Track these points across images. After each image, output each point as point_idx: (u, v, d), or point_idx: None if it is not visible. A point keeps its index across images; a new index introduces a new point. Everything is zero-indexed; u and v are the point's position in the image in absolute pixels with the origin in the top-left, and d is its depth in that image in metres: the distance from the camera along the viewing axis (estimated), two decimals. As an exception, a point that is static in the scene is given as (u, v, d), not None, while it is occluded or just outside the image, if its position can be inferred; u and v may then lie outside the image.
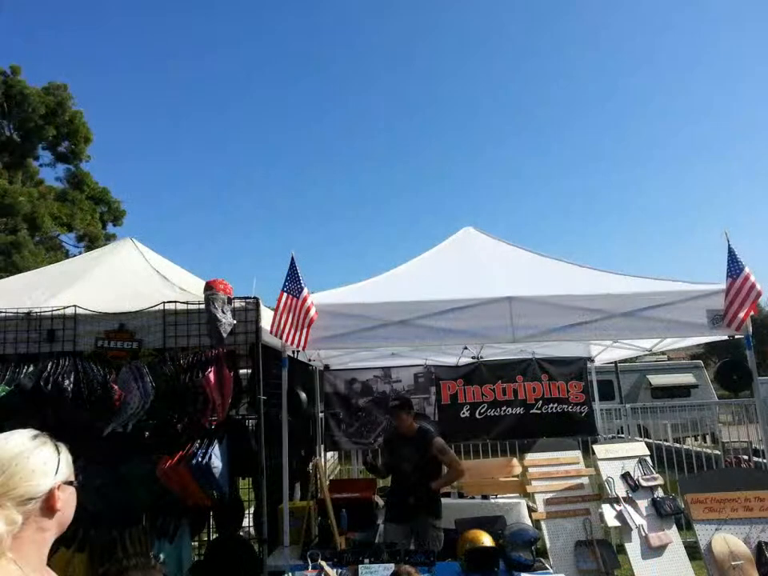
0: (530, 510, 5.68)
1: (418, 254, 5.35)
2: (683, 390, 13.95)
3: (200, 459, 3.64)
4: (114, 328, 3.98)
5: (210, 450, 3.69)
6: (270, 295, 4.25)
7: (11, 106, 18.57)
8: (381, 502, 5.43)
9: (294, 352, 4.75)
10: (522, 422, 7.35)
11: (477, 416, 7.38)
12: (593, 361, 7.56)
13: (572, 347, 7.18)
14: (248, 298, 4.14)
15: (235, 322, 3.98)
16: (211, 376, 3.80)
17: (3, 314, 3.98)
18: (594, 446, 5.09)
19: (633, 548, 4.40)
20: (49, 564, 1.27)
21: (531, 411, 7.38)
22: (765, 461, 6.28)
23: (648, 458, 4.97)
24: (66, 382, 3.73)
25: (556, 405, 7.42)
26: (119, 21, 68.80)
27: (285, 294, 3.89)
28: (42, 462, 1.24)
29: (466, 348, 6.63)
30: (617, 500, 4.62)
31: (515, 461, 6.11)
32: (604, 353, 7.17)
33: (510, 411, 7.40)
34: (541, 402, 7.41)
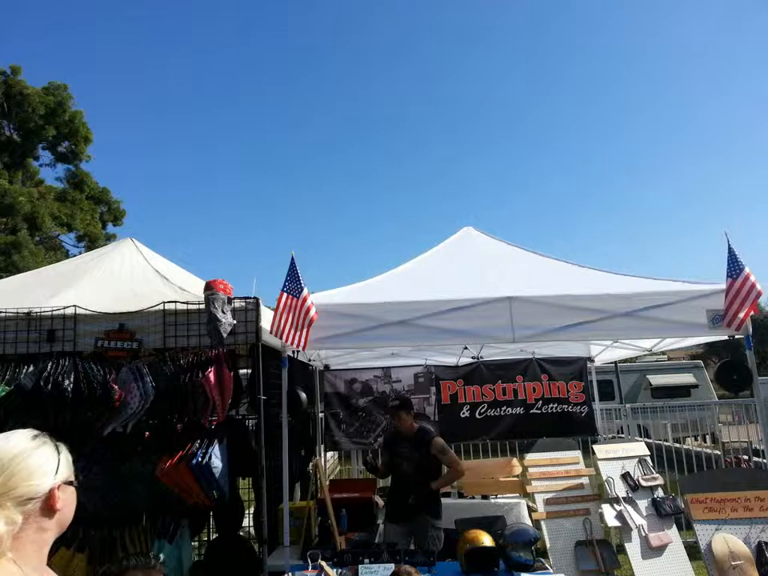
0: (530, 510, 5.68)
1: (418, 254, 5.36)
2: (683, 390, 13.93)
3: (200, 459, 3.64)
4: (114, 328, 3.99)
5: (210, 450, 3.70)
6: (270, 295, 4.25)
7: (11, 106, 18.55)
8: (381, 502, 5.42)
9: (293, 352, 4.75)
10: (522, 421, 7.35)
11: (477, 416, 7.38)
12: (593, 361, 7.56)
13: (572, 347, 7.18)
14: (248, 298, 4.14)
15: (235, 322, 3.99)
16: (211, 376, 3.80)
17: (3, 314, 3.98)
18: (594, 446, 5.09)
19: (633, 548, 4.41)
20: (49, 564, 1.27)
21: (531, 411, 7.39)
22: (765, 461, 6.28)
23: (648, 458, 4.97)
24: (66, 382, 3.72)
25: (556, 405, 7.42)
26: (119, 21, 68.84)
27: (285, 294, 3.88)
28: (41, 462, 1.24)
29: (466, 348, 6.63)
30: (617, 500, 4.63)
31: (515, 461, 6.11)
32: (604, 353, 7.17)
33: (510, 411, 7.40)
34: (541, 402, 7.41)
